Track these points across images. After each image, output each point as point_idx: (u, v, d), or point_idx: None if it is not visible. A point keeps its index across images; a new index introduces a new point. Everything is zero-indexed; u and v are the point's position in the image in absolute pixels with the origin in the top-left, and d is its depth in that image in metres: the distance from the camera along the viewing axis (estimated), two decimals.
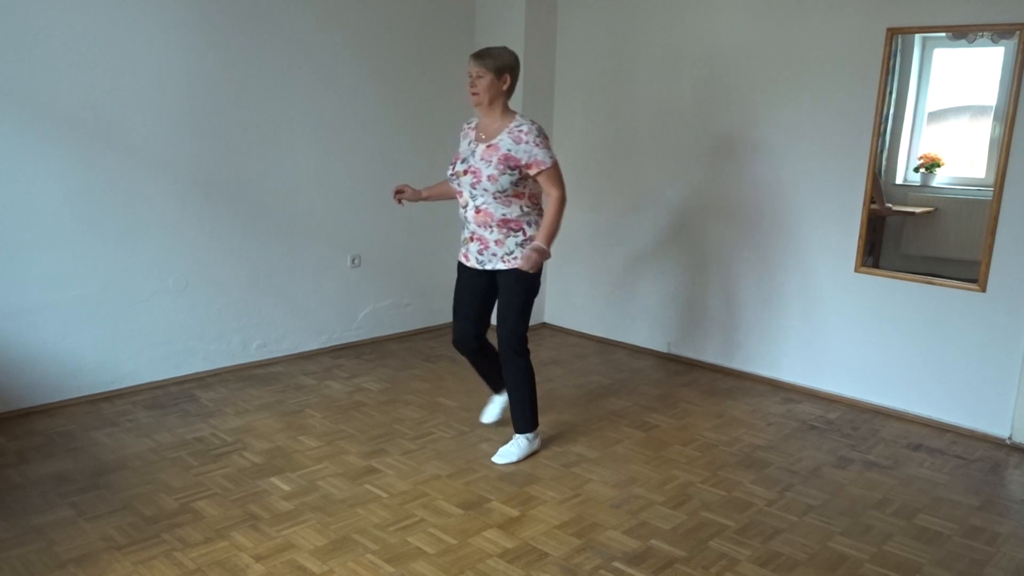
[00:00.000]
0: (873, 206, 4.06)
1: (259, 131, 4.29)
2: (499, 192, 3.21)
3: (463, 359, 4.77)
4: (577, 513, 3.01)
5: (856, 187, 4.07)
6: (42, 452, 3.35)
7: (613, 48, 4.95)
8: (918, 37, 3.89)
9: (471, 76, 3.21)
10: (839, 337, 4.24)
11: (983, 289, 3.76)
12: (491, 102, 3.23)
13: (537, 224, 3.30)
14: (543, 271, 3.37)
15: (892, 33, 3.87)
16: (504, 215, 3.26)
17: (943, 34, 3.82)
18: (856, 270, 4.13)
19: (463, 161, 3.31)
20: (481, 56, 3.21)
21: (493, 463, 3.40)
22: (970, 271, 3.79)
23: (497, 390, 3.78)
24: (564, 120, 5.27)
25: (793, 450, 3.65)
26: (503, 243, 3.29)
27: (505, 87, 3.22)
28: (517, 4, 5.00)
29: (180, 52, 3.94)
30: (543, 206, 3.31)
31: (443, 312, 5.48)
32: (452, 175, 3.35)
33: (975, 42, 3.74)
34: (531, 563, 2.66)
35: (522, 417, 3.47)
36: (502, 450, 3.47)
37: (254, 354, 4.51)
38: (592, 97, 5.10)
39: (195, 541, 2.72)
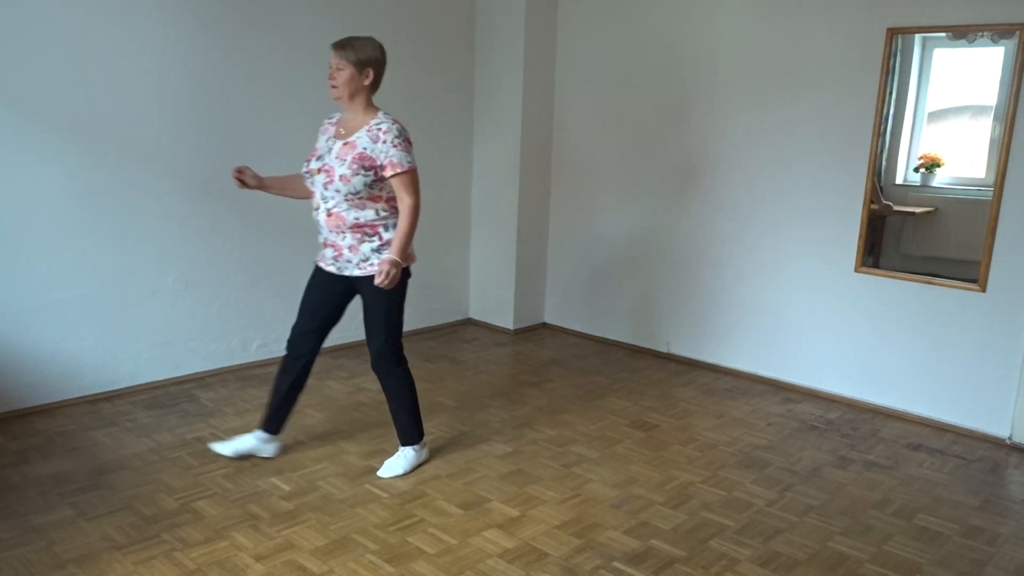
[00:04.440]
0: (872, 206, 4.05)
1: (260, 130, 4.29)
2: (352, 194, 2.95)
3: (462, 359, 4.79)
4: (577, 513, 3.01)
5: (856, 187, 4.07)
6: (42, 452, 3.35)
7: (613, 48, 4.94)
8: (918, 37, 3.89)
9: (330, 67, 2.97)
10: (839, 337, 4.24)
11: (983, 289, 3.76)
12: (351, 96, 2.98)
13: (395, 228, 3.03)
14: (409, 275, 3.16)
15: (892, 33, 3.87)
16: (357, 219, 3.00)
17: (943, 34, 3.82)
18: (856, 270, 4.13)
19: (319, 159, 3.04)
20: (343, 47, 2.95)
21: (378, 477, 3.21)
22: (970, 271, 3.79)
23: (268, 427, 3.33)
24: (564, 120, 5.27)
25: (793, 450, 3.65)
26: (357, 249, 3.04)
27: (367, 82, 2.99)
28: (517, 4, 5.00)
29: (180, 50, 3.94)
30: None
31: (443, 312, 5.49)
32: (306, 173, 3.08)
33: (975, 42, 3.74)
34: (531, 563, 2.66)
35: (407, 428, 3.29)
36: (387, 463, 3.27)
37: (254, 354, 4.51)
38: (592, 97, 5.10)
39: (195, 541, 2.72)
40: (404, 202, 2.96)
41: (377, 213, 3.02)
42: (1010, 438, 3.78)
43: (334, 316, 3.27)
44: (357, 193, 2.95)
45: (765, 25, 4.29)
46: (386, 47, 4.76)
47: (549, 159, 5.37)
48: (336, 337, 4.83)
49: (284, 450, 3.44)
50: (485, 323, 5.56)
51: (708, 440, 3.73)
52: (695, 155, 4.66)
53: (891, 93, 3.95)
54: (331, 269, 3.14)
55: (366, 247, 3.05)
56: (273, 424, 3.34)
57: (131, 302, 3.97)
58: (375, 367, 3.24)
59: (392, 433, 3.65)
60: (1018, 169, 3.62)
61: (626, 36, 4.88)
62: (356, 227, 3.02)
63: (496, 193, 5.34)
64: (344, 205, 2.98)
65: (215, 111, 4.11)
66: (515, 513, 2.99)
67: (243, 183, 3.19)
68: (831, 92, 4.10)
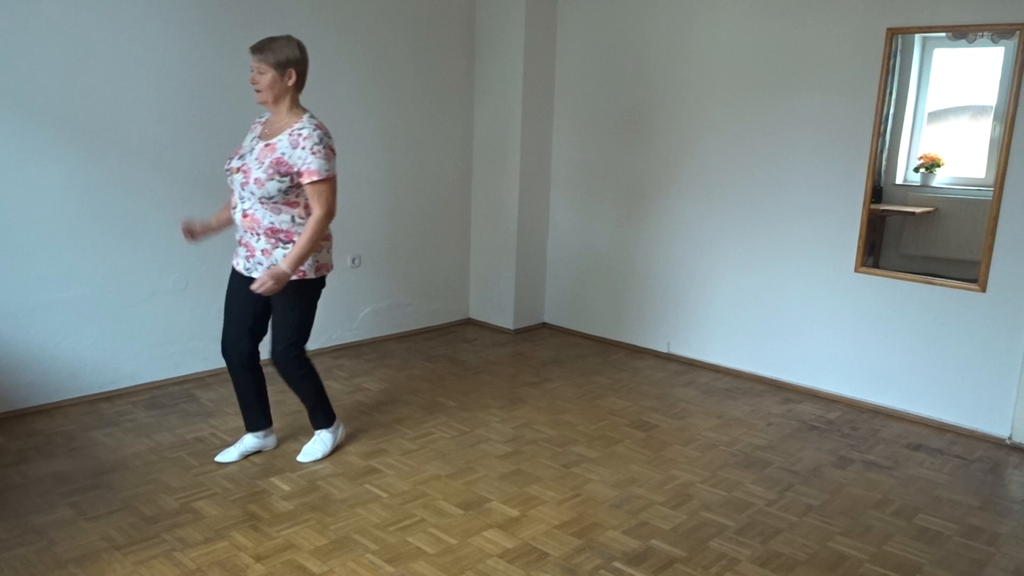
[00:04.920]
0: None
1: None
2: (266, 198, 2.90)
3: (462, 359, 4.79)
4: (577, 513, 3.01)
5: (856, 187, 4.07)
6: (42, 452, 3.35)
7: (614, 48, 4.94)
8: (918, 37, 3.89)
9: (252, 71, 2.92)
10: (839, 337, 4.24)
11: (983, 289, 3.76)
12: (276, 100, 2.94)
13: None
14: (325, 282, 3.16)
15: (892, 33, 3.87)
16: (272, 223, 2.95)
17: (943, 34, 3.82)
18: (856, 270, 4.13)
19: (240, 157, 3.00)
20: (260, 49, 2.88)
21: (298, 462, 3.31)
22: (970, 271, 3.79)
23: (253, 427, 3.34)
24: (564, 120, 5.27)
25: (793, 450, 3.65)
26: (270, 253, 2.99)
27: (291, 82, 2.92)
28: (517, 4, 5.00)
29: (180, 50, 3.94)
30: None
31: (443, 312, 5.49)
32: (227, 171, 3.02)
33: (975, 42, 3.74)
34: (531, 563, 2.66)
35: (321, 413, 3.35)
36: (306, 449, 3.35)
37: None
38: (592, 96, 5.10)
39: (195, 541, 2.72)
40: (313, 211, 2.91)
41: (293, 220, 2.97)
42: (1010, 438, 3.78)
43: (260, 319, 3.17)
44: (271, 198, 2.91)
45: (765, 25, 4.29)
46: (386, 47, 4.81)
47: (549, 159, 5.37)
48: (336, 337, 4.87)
49: (284, 450, 3.44)
50: (485, 323, 5.56)
51: (708, 440, 3.73)
52: (694, 155, 4.66)
53: (891, 93, 3.95)
54: (241, 271, 3.10)
55: (279, 253, 2.99)
56: (261, 422, 3.36)
57: (131, 302, 3.97)
58: (278, 371, 3.20)
59: (392, 433, 3.68)
60: (1018, 169, 3.62)
61: (624, 36, 4.88)
62: (271, 231, 2.97)
63: (496, 193, 5.34)
64: (260, 209, 2.94)
65: (215, 111, 4.11)
66: (515, 513, 2.99)
67: (192, 235, 3.17)
68: (831, 92, 4.10)
